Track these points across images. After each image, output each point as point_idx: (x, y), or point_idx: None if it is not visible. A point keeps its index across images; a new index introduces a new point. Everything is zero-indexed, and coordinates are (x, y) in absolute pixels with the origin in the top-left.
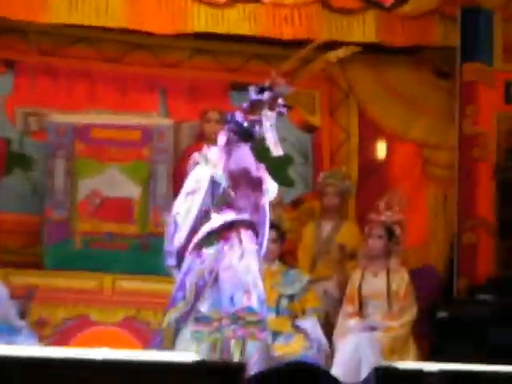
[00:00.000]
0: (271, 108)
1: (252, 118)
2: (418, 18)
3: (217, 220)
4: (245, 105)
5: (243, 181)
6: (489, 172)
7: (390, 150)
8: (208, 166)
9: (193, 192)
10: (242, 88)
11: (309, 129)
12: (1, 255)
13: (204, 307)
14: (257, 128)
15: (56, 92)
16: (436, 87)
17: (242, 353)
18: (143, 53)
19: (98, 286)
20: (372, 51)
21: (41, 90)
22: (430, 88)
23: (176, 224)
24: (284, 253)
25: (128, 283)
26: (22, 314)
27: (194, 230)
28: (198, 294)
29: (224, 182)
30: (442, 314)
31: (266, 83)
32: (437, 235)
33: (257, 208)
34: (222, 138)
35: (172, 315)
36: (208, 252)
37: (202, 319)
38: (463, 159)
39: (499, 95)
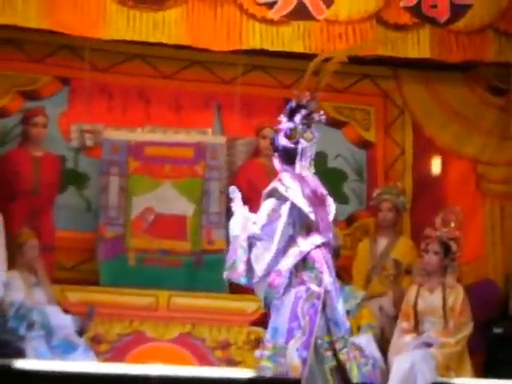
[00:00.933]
0: (308, 125)
1: (295, 139)
2: (472, 33)
3: (306, 244)
4: (284, 129)
5: (316, 202)
6: None
7: (444, 165)
8: (288, 193)
9: (272, 221)
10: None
11: (363, 145)
12: (57, 272)
13: (319, 333)
14: (300, 146)
15: (110, 109)
16: (490, 103)
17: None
18: (197, 69)
19: (153, 302)
20: (426, 67)
21: (95, 107)
22: (485, 104)
23: (255, 251)
24: (338, 269)
25: (183, 300)
26: (81, 332)
27: (278, 257)
28: (313, 322)
29: (305, 207)
30: (497, 330)
31: (292, 104)
32: (495, 250)
33: (330, 227)
34: (277, 164)
35: (293, 346)
36: (309, 278)
37: (323, 345)
38: None
39: None
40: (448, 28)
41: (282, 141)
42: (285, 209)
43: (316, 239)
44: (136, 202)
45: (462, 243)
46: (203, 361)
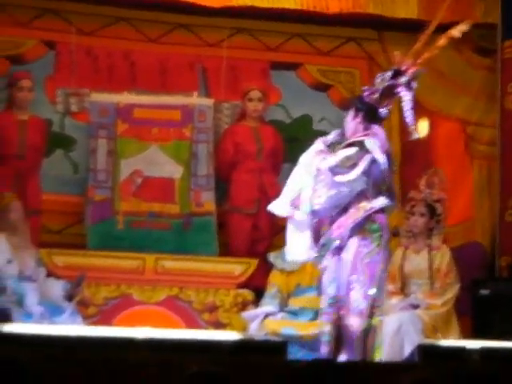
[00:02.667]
0: (408, 90)
1: (382, 100)
2: None
3: (376, 202)
4: (377, 87)
5: (390, 165)
6: None
7: (432, 127)
8: (374, 150)
9: (343, 166)
10: (281, 67)
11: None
12: (43, 236)
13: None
14: (385, 110)
15: (96, 72)
16: (478, 65)
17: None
18: (182, 33)
19: (140, 265)
20: (412, 29)
21: (82, 71)
22: (472, 66)
23: (317, 184)
24: None
25: (170, 263)
26: (70, 297)
27: (337, 202)
28: (373, 276)
29: (385, 166)
30: (484, 292)
31: (402, 67)
32: (483, 211)
33: (395, 193)
34: (357, 124)
35: (352, 298)
36: (370, 236)
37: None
38: (505, 136)
39: None
40: None
41: (368, 99)
42: (364, 161)
43: (385, 201)
44: (124, 164)
45: (450, 205)
46: (190, 323)
